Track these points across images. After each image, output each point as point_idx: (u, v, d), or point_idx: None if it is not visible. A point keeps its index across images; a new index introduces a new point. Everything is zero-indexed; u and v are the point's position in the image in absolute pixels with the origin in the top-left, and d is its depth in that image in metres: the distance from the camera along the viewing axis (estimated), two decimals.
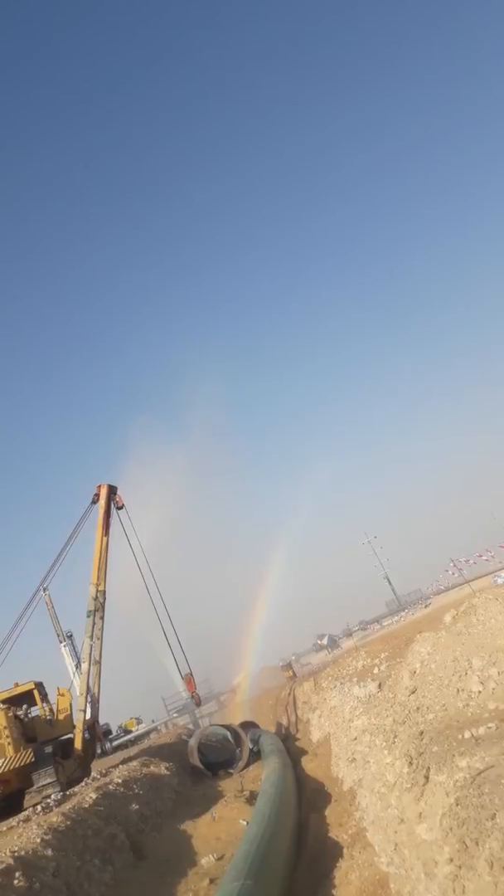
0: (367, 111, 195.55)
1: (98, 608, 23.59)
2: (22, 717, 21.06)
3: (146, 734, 44.97)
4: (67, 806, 14.04)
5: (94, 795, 14.74)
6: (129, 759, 24.19)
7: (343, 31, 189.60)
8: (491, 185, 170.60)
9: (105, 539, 24.77)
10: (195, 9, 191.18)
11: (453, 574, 31.16)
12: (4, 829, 14.22)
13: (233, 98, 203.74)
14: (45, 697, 22.73)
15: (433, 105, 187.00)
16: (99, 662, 23.18)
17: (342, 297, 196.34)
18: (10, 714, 20.03)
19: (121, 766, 21.60)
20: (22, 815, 15.72)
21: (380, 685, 14.97)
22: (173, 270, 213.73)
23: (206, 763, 22.77)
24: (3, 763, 18.81)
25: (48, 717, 22.06)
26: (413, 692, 11.98)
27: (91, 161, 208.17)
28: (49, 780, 19.09)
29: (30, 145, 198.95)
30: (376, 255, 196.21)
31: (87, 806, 13.78)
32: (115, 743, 40.77)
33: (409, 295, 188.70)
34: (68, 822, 12.25)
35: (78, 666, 26.24)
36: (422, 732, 9.84)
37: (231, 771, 22.00)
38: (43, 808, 15.41)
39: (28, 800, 19.55)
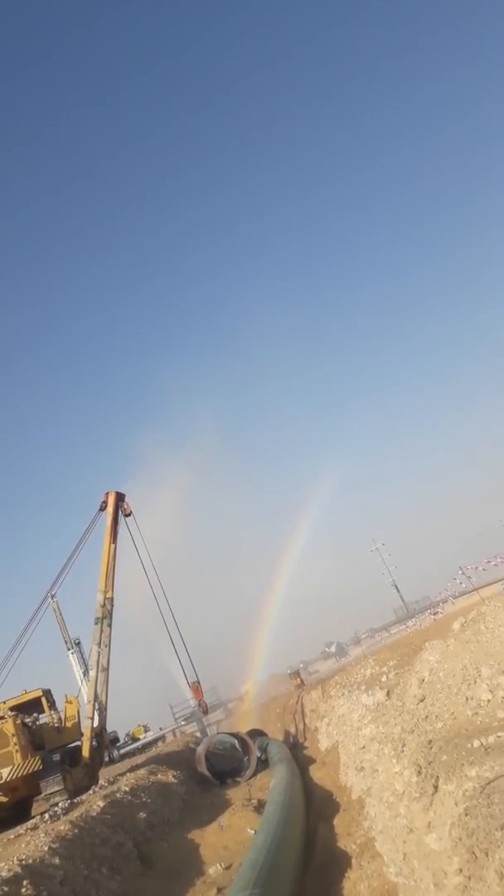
0: (368, 120, 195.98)
1: (106, 615, 23.63)
2: (30, 724, 21.08)
3: (154, 742, 44.81)
4: (75, 814, 14.03)
5: (101, 803, 14.73)
6: (137, 766, 24.12)
7: (345, 40, 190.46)
8: (494, 193, 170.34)
9: (113, 546, 24.86)
10: (197, 16, 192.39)
11: (461, 583, 31.01)
12: (12, 836, 14.21)
13: (238, 105, 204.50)
14: (53, 705, 22.75)
15: (435, 114, 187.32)
16: (107, 670, 23.20)
17: (353, 302, 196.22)
18: (19, 721, 20.03)
19: (128, 773, 21.53)
20: (30, 823, 15.72)
21: (388, 693, 14.88)
22: (179, 274, 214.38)
23: (213, 771, 22.68)
24: (11, 770, 18.82)
25: (56, 725, 22.07)
26: (422, 700, 11.90)
27: (90, 169, 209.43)
28: (57, 788, 19.07)
29: (32, 151, 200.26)
30: (382, 262, 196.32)
31: (94, 814, 13.77)
32: (123, 751, 40.65)
33: (421, 300, 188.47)
34: (76, 831, 12.24)
35: (86, 673, 26.30)
36: (430, 741, 9.76)
37: (239, 779, 21.90)
38: (50, 816, 15.42)
39: (36, 807, 19.50)
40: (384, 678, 17.29)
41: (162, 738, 46.15)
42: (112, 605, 23.93)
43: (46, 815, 15.87)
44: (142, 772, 20.63)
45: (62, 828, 12.32)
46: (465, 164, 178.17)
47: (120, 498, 25.86)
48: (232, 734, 26.49)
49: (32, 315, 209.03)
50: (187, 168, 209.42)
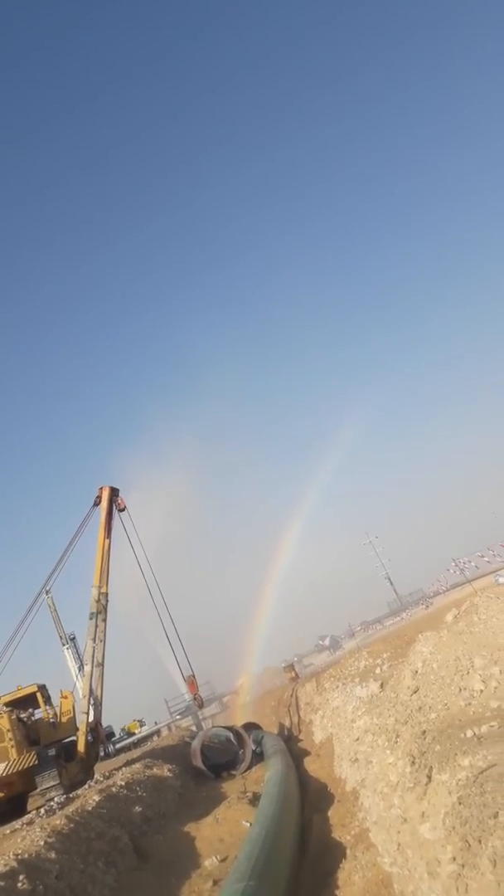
0: (366, 111, 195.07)
1: (101, 610, 23.61)
2: (25, 719, 21.05)
3: (149, 736, 44.91)
4: (70, 808, 14.01)
5: (97, 798, 14.71)
6: (132, 761, 24.15)
7: (343, 32, 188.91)
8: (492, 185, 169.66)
9: (107, 541, 24.81)
10: (196, 12, 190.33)
11: (454, 573, 31.18)
12: (8, 831, 14.21)
13: (235, 97, 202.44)
14: (48, 700, 22.74)
15: (433, 106, 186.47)
16: (102, 665, 23.19)
17: (350, 297, 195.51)
18: (14, 717, 20.02)
19: (124, 768, 21.57)
20: (25, 818, 15.75)
21: (382, 685, 14.95)
22: (175, 269, 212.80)
23: (208, 765, 22.71)
24: (7, 766, 18.81)
25: (51, 720, 22.06)
26: (415, 692, 11.96)
27: (92, 160, 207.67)
28: (52, 783, 19.10)
29: (30, 145, 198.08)
30: (381, 253, 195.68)
31: (90, 808, 13.73)
32: (118, 745, 40.72)
33: (418, 294, 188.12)
34: (71, 825, 12.21)
35: (81, 668, 26.24)
36: (424, 732, 9.81)
37: (234, 772, 21.93)
38: (46, 811, 15.42)
39: (31, 802, 19.50)
40: (378, 670, 17.37)
41: (157, 732, 46.29)
42: (107, 601, 23.94)
43: (42, 810, 15.89)
44: (137, 766, 20.65)
45: (58, 822, 12.30)
46: (464, 157, 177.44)
47: (114, 493, 25.80)
48: (227, 727, 26.55)
49: (32, 305, 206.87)
50: (191, 156, 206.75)
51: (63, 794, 17.99)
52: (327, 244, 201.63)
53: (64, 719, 22.33)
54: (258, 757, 22.58)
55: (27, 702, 22.14)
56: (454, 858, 6.36)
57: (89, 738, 22.22)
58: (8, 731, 19.33)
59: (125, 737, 44.99)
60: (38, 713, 22.16)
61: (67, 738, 22.15)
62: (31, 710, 21.93)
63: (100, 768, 24.20)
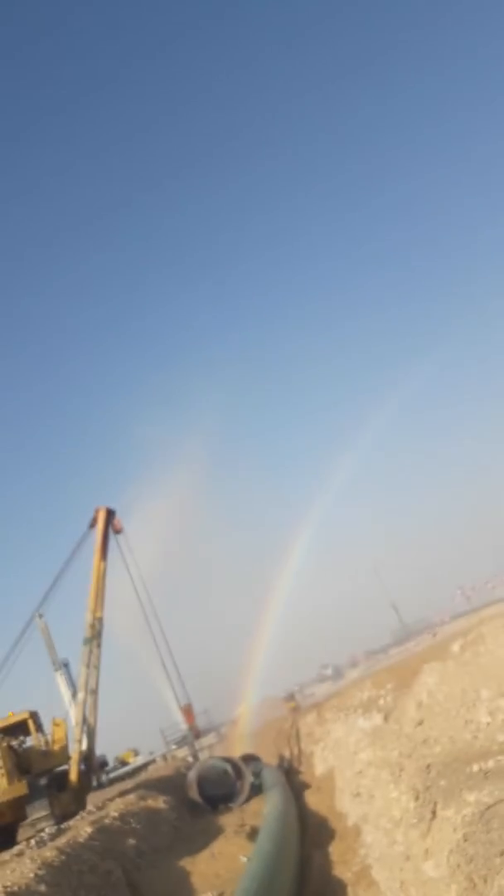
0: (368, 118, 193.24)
1: (95, 636, 23.24)
2: (16, 747, 20.67)
3: (144, 766, 44.00)
4: (62, 840, 13.74)
5: (89, 829, 14.42)
6: (126, 792, 23.64)
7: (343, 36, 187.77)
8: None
9: (102, 564, 24.42)
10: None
11: (460, 602, 30.89)
12: None
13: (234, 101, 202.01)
14: (40, 728, 22.31)
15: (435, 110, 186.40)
16: (96, 692, 22.80)
17: (357, 315, 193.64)
18: (4, 744, 19.67)
19: (117, 799, 21.09)
20: (15, 849, 15.45)
21: (385, 717, 14.68)
22: (181, 276, 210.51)
23: (205, 797, 22.18)
24: None
25: (43, 749, 21.64)
26: (420, 724, 11.72)
27: (92, 161, 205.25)
28: (43, 813, 18.78)
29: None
30: (382, 276, 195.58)
31: (82, 840, 13.48)
32: (112, 775, 39.89)
33: (426, 315, 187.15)
34: (62, 857, 11.96)
35: (74, 695, 25.84)
36: (429, 766, 9.58)
37: (231, 805, 21.41)
38: (37, 842, 15.13)
39: (22, 833, 19.08)
40: (381, 701, 17.07)
41: (152, 762, 45.40)
42: (101, 626, 23.54)
43: (32, 841, 15.57)
44: (131, 797, 20.23)
45: (48, 854, 12.07)
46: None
47: (110, 514, 25.45)
48: (225, 759, 25.99)
49: (25, 328, 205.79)
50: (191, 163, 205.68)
51: (54, 825, 17.63)
52: (333, 258, 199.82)
53: (56, 747, 21.92)
54: (256, 789, 22.07)
55: (18, 729, 21.71)
56: None
57: (82, 767, 21.77)
58: None
59: (119, 766, 44.10)
60: (30, 741, 21.75)
61: (59, 767, 21.71)
62: (22, 737, 21.53)
63: (93, 799, 23.66)
